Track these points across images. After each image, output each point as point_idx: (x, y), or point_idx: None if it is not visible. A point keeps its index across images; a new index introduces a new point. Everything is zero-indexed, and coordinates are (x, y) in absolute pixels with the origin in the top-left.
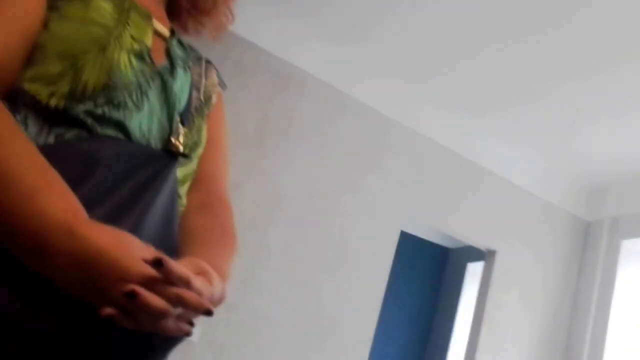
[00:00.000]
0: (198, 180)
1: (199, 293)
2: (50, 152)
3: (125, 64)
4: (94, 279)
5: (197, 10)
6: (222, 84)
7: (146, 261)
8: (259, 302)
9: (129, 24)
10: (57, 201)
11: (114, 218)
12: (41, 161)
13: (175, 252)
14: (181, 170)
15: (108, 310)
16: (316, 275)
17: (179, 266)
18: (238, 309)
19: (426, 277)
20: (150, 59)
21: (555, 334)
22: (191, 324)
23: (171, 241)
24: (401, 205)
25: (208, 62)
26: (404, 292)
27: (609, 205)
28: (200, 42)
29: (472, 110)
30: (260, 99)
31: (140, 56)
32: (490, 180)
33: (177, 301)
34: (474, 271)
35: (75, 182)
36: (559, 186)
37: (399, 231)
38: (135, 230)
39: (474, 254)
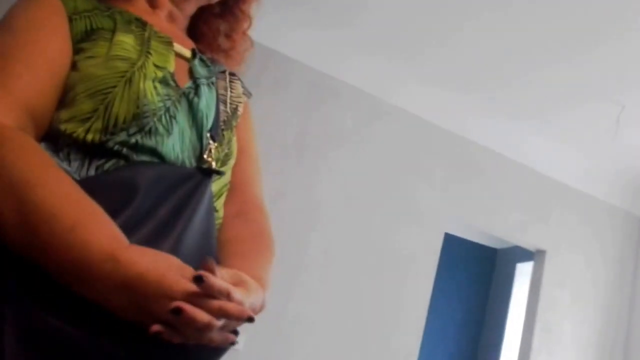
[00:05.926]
0: (232, 190)
1: (240, 303)
2: (91, 184)
3: (151, 91)
4: (140, 300)
5: (218, 50)
6: (247, 93)
7: (187, 278)
8: (302, 309)
9: (150, 53)
10: (97, 231)
11: (155, 239)
12: (80, 195)
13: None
14: (216, 184)
15: (156, 327)
16: (359, 281)
17: (219, 280)
18: (282, 317)
19: (474, 280)
20: (175, 82)
21: (614, 333)
22: (235, 332)
23: (211, 255)
24: (444, 207)
25: (232, 74)
26: (451, 296)
27: None
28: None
29: (514, 111)
30: (297, 109)
31: (165, 82)
32: (534, 179)
33: (220, 313)
34: (523, 272)
35: (116, 209)
36: (607, 182)
37: (443, 234)
38: (175, 248)
39: (522, 254)
